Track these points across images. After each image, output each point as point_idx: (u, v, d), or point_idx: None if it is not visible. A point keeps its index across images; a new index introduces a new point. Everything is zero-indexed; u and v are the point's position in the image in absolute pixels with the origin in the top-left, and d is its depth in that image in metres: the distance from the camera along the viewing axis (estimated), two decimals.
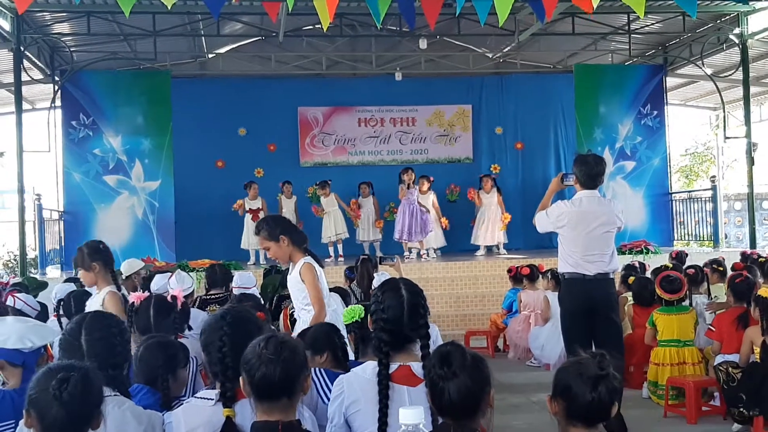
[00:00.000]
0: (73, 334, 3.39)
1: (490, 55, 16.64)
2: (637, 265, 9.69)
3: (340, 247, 14.21)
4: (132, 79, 14.80)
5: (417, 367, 3.15)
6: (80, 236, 13.81)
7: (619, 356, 6.35)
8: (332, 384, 3.37)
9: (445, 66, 16.64)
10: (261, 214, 13.71)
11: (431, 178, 14.49)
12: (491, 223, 14.46)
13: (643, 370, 7.74)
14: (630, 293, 8.43)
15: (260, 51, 16.11)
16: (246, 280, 7.36)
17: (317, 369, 3.82)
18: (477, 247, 14.62)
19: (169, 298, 4.93)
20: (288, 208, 14.49)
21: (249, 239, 13.68)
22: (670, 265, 8.90)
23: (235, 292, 7.12)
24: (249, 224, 13.68)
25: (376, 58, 16.18)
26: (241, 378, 2.79)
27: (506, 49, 15.99)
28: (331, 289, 6.20)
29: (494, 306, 11.39)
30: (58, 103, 14.42)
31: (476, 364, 2.72)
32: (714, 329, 6.88)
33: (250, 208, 13.91)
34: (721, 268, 8.98)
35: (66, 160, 14.23)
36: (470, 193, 14.84)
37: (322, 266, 5.54)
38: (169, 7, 9.55)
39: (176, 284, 6.89)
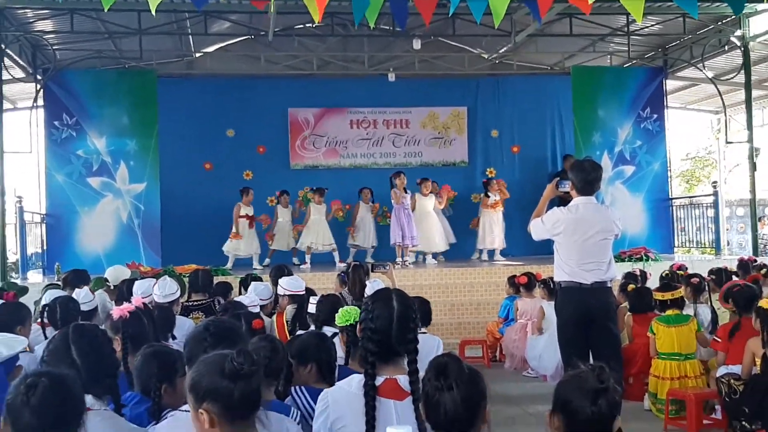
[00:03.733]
0: (60, 350, 3.40)
1: (485, 56, 16.34)
2: (637, 273, 9.43)
3: (336, 254, 13.84)
4: (117, 78, 14.47)
5: (404, 380, 3.10)
6: (63, 240, 13.65)
7: (618, 367, 6.27)
8: (314, 401, 3.32)
9: (439, 67, 16.35)
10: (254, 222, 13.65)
11: (432, 182, 14.28)
12: (496, 226, 14.23)
13: (643, 381, 7.58)
14: (627, 303, 8.20)
15: (249, 50, 15.81)
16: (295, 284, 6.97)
17: (297, 387, 3.80)
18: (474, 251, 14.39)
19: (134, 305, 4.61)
20: (284, 218, 14.29)
21: (235, 245, 13.53)
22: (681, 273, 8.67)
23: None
24: (246, 230, 13.56)
25: (369, 59, 15.89)
26: (202, 409, 2.60)
27: (502, 50, 15.67)
28: (322, 296, 6.02)
29: (490, 314, 11.12)
30: (40, 102, 14.08)
31: (473, 377, 2.71)
32: (719, 340, 6.72)
33: (246, 214, 13.67)
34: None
35: (48, 162, 13.87)
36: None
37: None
38: (153, 12, 9.32)
39: (158, 290, 6.66)
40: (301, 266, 13.54)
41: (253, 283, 7.40)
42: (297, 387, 3.85)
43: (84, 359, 3.33)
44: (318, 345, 4.11)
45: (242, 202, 13.72)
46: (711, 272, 8.73)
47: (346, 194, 14.61)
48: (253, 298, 6.49)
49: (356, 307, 4.39)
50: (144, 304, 4.71)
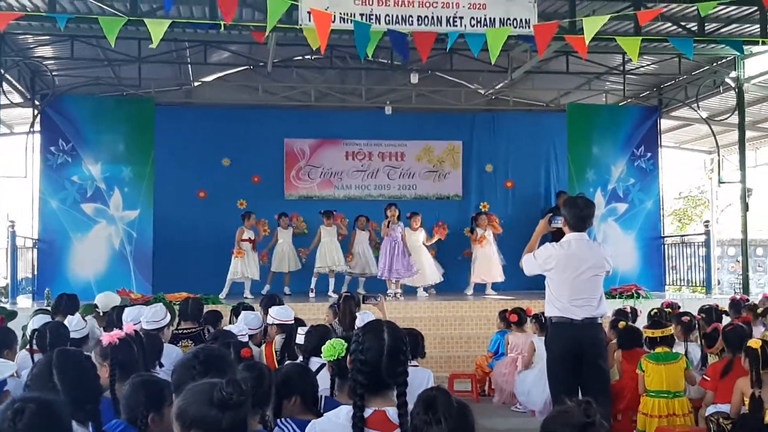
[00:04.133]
0: (43, 375, 3.40)
1: (482, 92, 16.44)
2: (628, 310, 9.40)
3: (332, 281, 13.86)
4: (115, 105, 14.56)
5: (392, 412, 3.05)
6: (54, 265, 13.61)
7: (606, 403, 6.26)
8: None
9: (436, 101, 16.43)
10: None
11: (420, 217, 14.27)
12: (485, 261, 14.22)
13: (632, 418, 7.51)
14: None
15: (248, 80, 15.89)
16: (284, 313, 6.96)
17: (283, 419, 3.76)
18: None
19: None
20: (285, 240, 14.29)
21: (239, 268, 13.55)
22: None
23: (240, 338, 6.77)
24: (249, 252, 13.60)
25: (366, 91, 15.98)
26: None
27: (499, 86, 15.78)
28: (310, 327, 5.98)
29: (480, 348, 11.07)
30: (37, 127, 14.14)
31: (461, 411, 2.70)
32: (708, 379, 6.72)
33: (249, 238, 13.68)
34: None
35: (43, 187, 13.90)
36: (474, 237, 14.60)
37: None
38: (155, 46, 9.45)
39: (147, 316, 6.60)
40: (309, 295, 13.60)
41: (243, 312, 7.38)
42: (283, 419, 3.82)
43: (65, 385, 3.32)
44: (301, 375, 4.08)
45: (245, 226, 13.71)
46: (701, 310, 8.74)
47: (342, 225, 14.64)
48: (242, 327, 6.47)
49: (342, 341, 4.36)
50: (135, 331, 4.69)
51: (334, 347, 4.25)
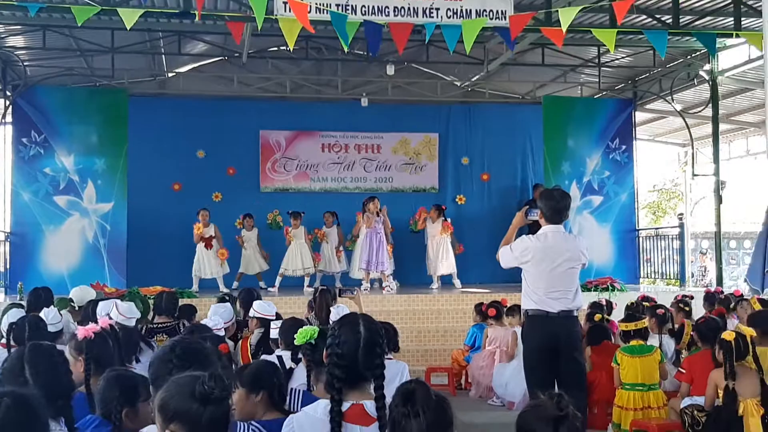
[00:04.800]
0: (14, 369, 3.41)
1: (458, 84, 16.44)
2: (603, 303, 9.44)
3: (307, 279, 13.74)
4: (88, 96, 14.38)
5: (370, 405, 3.07)
6: (27, 258, 13.47)
7: (582, 396, 6.24)
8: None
9: (412, 93, 16.41)
10: (214, 242, 13.35)
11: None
12: (443, 252, 14.08)
13: (606, 411, 7.56)
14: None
15: (222, 71, 15.77)
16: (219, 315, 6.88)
17: (247, 424, 3.66)
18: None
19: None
20: (250, 243, 14.14)
21: (201, 267, 13.33)
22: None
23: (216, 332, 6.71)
24: (202, 251, 13.32)
25: (342, 83, 15.94)
26: (174, 425, 2.55)
27: (475, 78, 15.78)
28: (286, 320, 5.97)
29: (456, 342, 11.05)
30: (8, 119, 13.95)
31: (440, 404, 2.72)
32: (684, 371, 6.77)
33: (202, 237, 13.38)
34: (687, 308, 8.87)
35: (15, 179, 13.73)
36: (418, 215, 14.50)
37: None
38: (128, 28, 9.34)
39: (121, 311, 6.49)
40: (268, 289, 13.41)
41: (213, 305, 7.31)
42: (247, 424, 3.68)
43: (36, 379, 3.31)
44: (270, 372, 4.04)
45: (200, 222, 13.40)
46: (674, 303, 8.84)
47: (317, 218, 14.51)
48: (216, 320, 6.41)
49: (315, 327, 4.36)
50: (110, 325, 4.63)
51: (306, 331, 4.29)
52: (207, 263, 13.34)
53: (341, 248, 14.48)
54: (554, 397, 2.65)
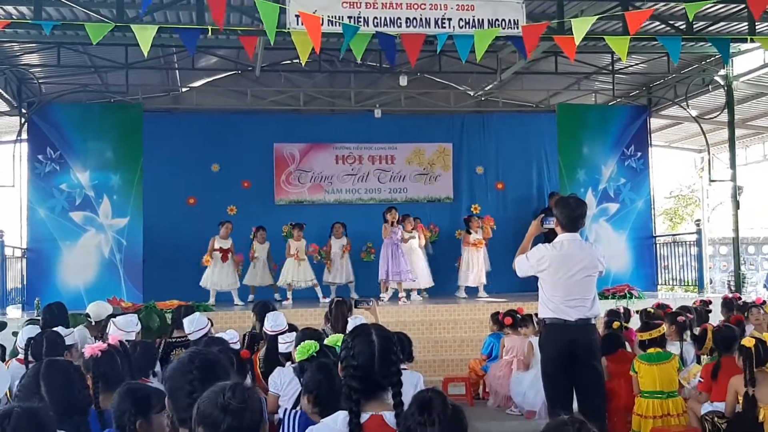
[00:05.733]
0: (30, 385, 3.42)
1: (471, 93, 16.42)
2: (621, 310, 9.36)
3: (318, 289, 13.74)
4: (102, 112, 14.47)
5: (389, 416, 3.05)
6: (44, 275, 13.54)
7: (601, 403, 6.26)
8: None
9: (425, 103, 16.41)
10: (229, 255, 13.40)
11: (414, 219, 14.27)
12: (476, 264, 14.18)
13: (626, 419, 7.45)
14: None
15: (236, 85, 15.83)
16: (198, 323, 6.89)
17: (295, 411, 3.85)
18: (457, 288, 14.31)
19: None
20: (261, 255, 14.12)
21: (212, 278, 13.40)
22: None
23: (190, 338, 6.70)
24: (218, 263, 13.39)
25: (355, 95, 15.95)
26: (200, 429, 2.63)
27: (488, 87, 15.76)
28: (302, 330, 5.96)
29: (473, 351, 11.01)
30: (24, 136, 14.05)
31: (456, 414, 2.71)
32: (702, 380, 6.73)
33: (220, 247, 13.46)
34: (708, 310, 9.04)
35: (31, 196, 13.83)
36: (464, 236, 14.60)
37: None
38: (146, 54, 9.39)
39: (122, 327, 6.59)
40: (282, 302, 13.38)
41: (188, 316, 7.20)
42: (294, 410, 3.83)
43: (52, 395, 3.32)
44: (322, 374, 4.04)
45: (219, 235, 13.54)
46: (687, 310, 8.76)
47: (329, 229, 14.52)
48: (233, 334, 6.42)
49: (314, 342, 4.37)
50: (120, 341, 4.62)
51: (306, 347, 4.37)
52: (221, 276, 13.42)
53: (348, 248, 14.33)
54: (576, 423, 2.64)
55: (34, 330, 6.60)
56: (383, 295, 13.32)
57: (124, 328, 6.44)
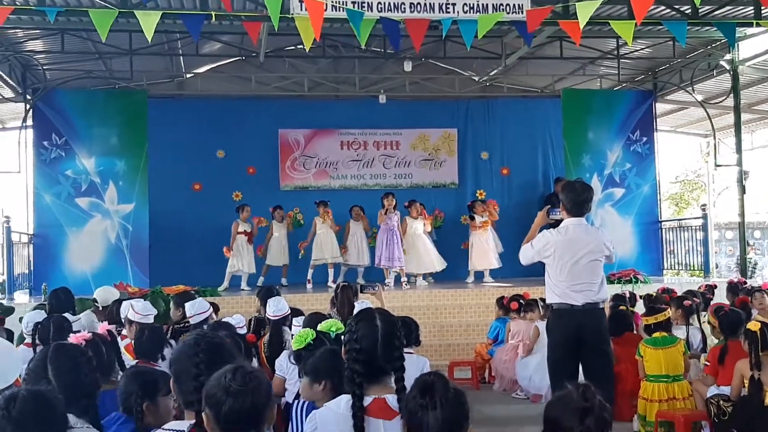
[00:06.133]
0: (38, 369, 3.45)
1: (476, 79, 16.39)
2: (627, 294, 9.39)
3: (331, 272, 13.83)
4: (107, 98, 14.46)
5: (392, 399, 3.08)
6: (51, 260, 13.59)
7: (609, 387, 6.20)
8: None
9: (430, 89, 16.38)
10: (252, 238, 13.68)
11: (419, 204, 14.26)
12: (483, 248, 14.17)
13: (631, 403, 7.51)
14: None
15: (240, 71, 15.80)
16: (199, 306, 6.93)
17: (303, 402, 3.91)
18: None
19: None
20: (280, 233, 14.16)
21: (241, 261, 13.52)
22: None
23: (191, 321, 6.75)
24: (244, 246, 13.55)
25: (360, 80, 15.93)
26: (204, 413, 2.67)
27: (493, 73, 15.71)
28: (308, 315, 6.04)
29: (479, 336, 11.04)
30: (29, 122, 14.07)
31: (458, 397, 2.72)
32: (709, 363, 6.77)
33: (244, 230, 13.62)
34: (710, 296, 9.01)
35: (37, 182, 13.83)
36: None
37: None
38: (149, 40, 9.38)
39: (139, 310, 6.61)
40: (307, 286, 13.54)
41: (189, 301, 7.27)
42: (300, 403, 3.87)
43: (60, 379, 3.34)
44: (332, 360, 4.05)
45: (240, 219, 13.67)
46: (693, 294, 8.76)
47: (337, 215, 14.50)
48: (239, 318, 6.45)
49: (310, 330, 4.39)
50: (109, 331, 4.64)
51: (303, 335, 4.41)
52: (247, 258, 13.57)
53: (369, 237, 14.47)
54: (580, 387, 2.65)
55: (39, 315, 6.65)
56: (388, 281, 13.36)
57: (142, 312, 6.50)
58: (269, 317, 6.94)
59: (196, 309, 6.85)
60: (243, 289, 13.24)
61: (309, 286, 13.57)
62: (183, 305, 7.57)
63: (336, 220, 14.30)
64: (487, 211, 14.36)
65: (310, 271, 13.79)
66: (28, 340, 6.00)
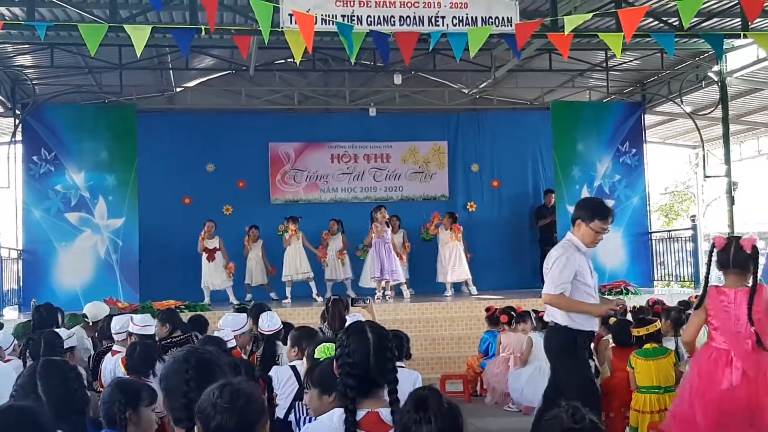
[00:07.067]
0: (27, 385, 3.43)
1: (466, 91, 16.43)
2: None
3: (312, 285, 13.79)
4: (96, 113, 14.43)
5: (386, 413, 3.06)
6: (40, 276, 13.52)
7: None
8: None
9: (420, 102, 16.41)
10: (217, 255, 13.53)
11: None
12: (456, 259, 14.11)
13: (624, 415, 7.45)
14: (610, 335, 8.09)
15: (230, 85, 15.81)
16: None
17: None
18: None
19: None
20: (255, 254, 14.19)
21: (205, 278, 13.60)
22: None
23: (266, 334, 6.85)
24: (205, 263, 13.63)
25: (350, 93, 15.95)
26: (196, 428, 2.69)
27: (482, 85, 15.76)
28: (297, 328, 5.98)
29: (470, 349, 11.04)
30: (18, 137, 14.01)
31: (452, 411, 2.70)
32: None
33: (206, 248, 13.53)
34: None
35: (26, 197, 13.78)
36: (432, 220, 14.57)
37: None
38: (139, 55, 9.37)
39: (138, 322, 6.72)
40: (282, 301, 13.43)
41: (228, 314, 7.34)
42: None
43: (49, 395, 3.33)
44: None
45: (203, 234, 13.70)
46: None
47: (327, 229, 14.56)
48: (227, 333, 6.43)
49: (331, 345, 4.35)
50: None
51: (326, 348, 4.27)
52: (211, 275, 13.59)
53: (345, 251, 14.44)
54: (569, 409, 2.62)
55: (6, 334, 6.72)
56: (379, 294, 13.34)
57: (140, 323, 6.59)
58: (263, 332, 6.92)
59: (274, 323, 6.90)
60: (231, 303, 13.21)
61: (286, 301, 13.48)
62: (168, 322, 7.57)
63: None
64: (450, 230, 14.25)
65: (287, 289, 13.71)
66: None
